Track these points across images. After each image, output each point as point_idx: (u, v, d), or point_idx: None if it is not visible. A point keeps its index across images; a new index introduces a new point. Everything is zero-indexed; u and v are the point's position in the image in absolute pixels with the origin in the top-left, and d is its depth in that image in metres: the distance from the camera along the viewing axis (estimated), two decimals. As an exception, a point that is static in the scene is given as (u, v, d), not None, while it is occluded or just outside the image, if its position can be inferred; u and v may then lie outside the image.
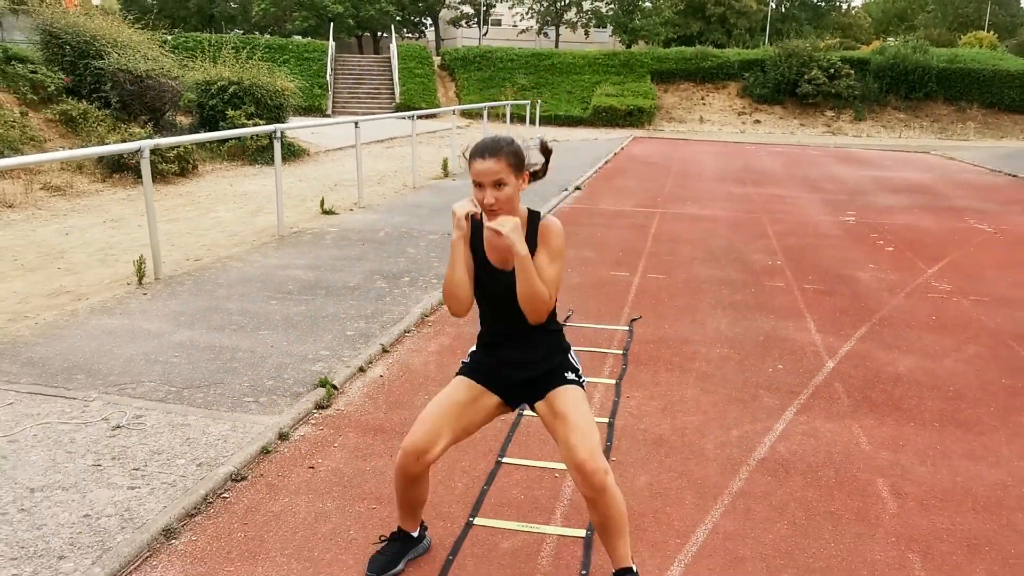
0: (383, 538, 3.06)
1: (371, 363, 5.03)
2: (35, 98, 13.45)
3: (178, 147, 11.91)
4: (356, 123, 10.39)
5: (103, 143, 11.90)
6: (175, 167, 12.01)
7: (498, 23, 61.71)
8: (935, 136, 30.45)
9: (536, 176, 2.71)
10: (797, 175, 16.72)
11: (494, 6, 56.79)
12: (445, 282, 2.72)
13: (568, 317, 6.12)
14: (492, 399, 2.84)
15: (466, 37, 57.02)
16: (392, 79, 31.37)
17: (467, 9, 55.56)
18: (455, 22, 55.66)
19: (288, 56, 28.66)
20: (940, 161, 21.32)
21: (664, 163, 18.44)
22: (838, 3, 64.85)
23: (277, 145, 8.39)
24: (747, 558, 3.11)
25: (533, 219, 2.71)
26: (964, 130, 30.69)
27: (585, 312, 6.29)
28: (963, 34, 51.97)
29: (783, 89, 32.47)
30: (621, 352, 5.40)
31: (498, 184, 2.55)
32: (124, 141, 11.51)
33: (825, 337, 5.84)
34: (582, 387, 2.83)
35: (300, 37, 41.66)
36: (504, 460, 3.82)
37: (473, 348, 2.93)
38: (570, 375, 2.81)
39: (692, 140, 27.08)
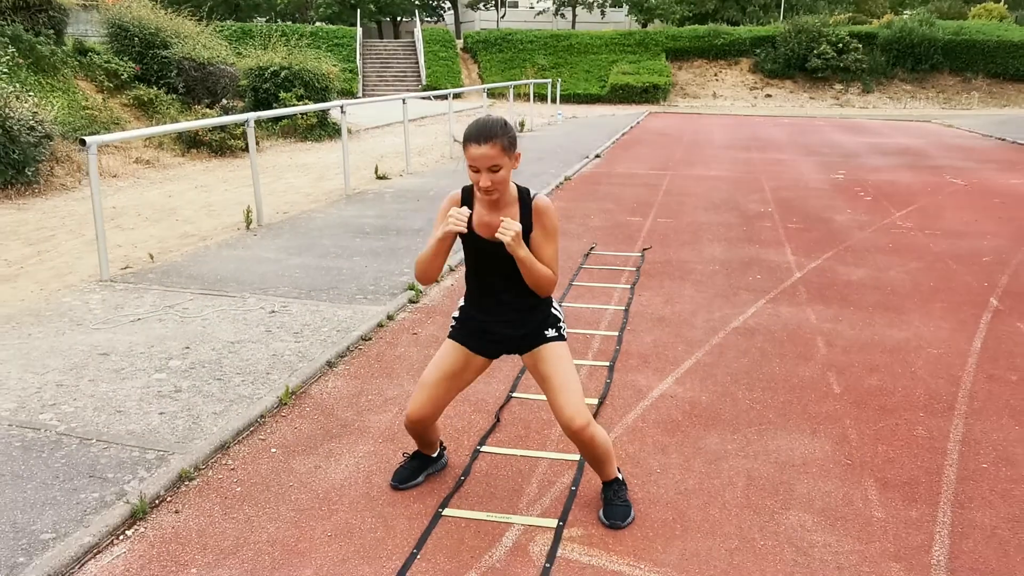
0: (406, 455, 3.49)
1: (443, 277, 6.58)
2: (110, 85, 15.08)
3: (243, 124, 13.48)
4: (404, 100, 11.94)
5: (176, 122, 13.55)
6: (241, 143, 13.60)
7: (515, 5, 62.84)
8: (940, 106, 31.54)
9: None
10: (799, 142, 18.09)
11: (511, -12, 58.00)
12: (418, 261, 2.91)
13: (593, 248, 7.63)
14: (479, 360, 3.09)
15: (484, 20, 58.23)
16: (417, 62, 32.84)
17: (484, -9, 56.80)
18: (473, 5, 56.90)
19: (320, 42, 30.14)
20: (937, 128, 22.56)
21: (676, 135, 19.84)
22: (854, -23, 65.22)
23: (344, 119, 9.95)
24: (718, 374, 4.64)
25: (524, 197, 2.89)
26: (969, 100, 31.76)
27: (606, 244, 7.80)
28: (976, 5, 52.37)
29: (793, 64, 33.64)
30: (635, 268, 6.93)
31: (493, 168, 2.71)
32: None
33: (798, 258, 7.34)
34: (563, 339, 3.05)
35: (323, 23, 43.17)
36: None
37: (462, 303, 3.16)
38: (551, 332, 3.02)
39: (705, 114, 28.38)
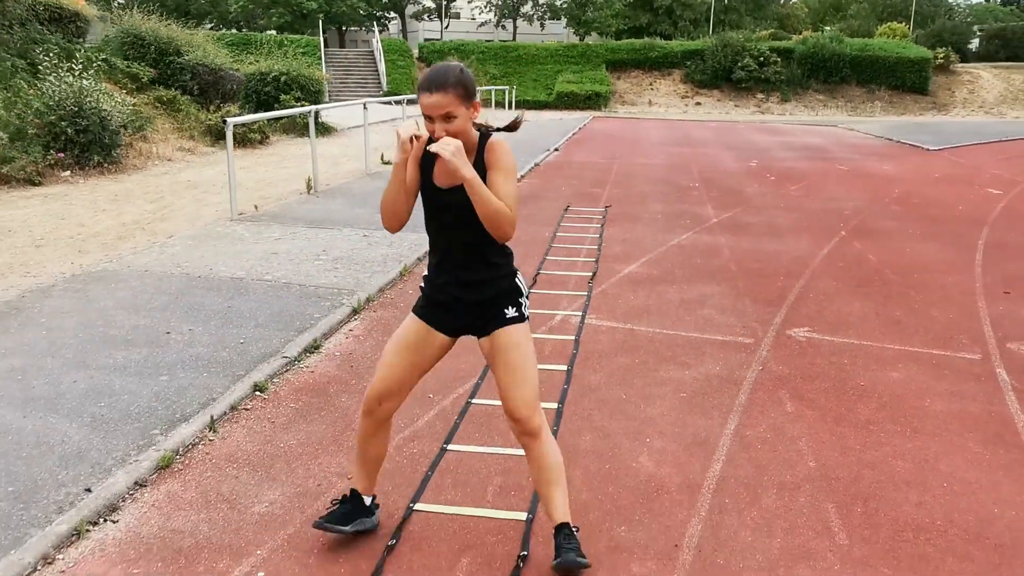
0: (335, 501, 3.14)
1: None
2: (132, 87, 17.35)
3: (259, 121, 15.96)
4: (404, 100, 14.60)
5: (199, 121, 15.98)
6: (258, 136, 16.07)
7: (457, 16, 65.74)
8: (848, 114, 35.46)
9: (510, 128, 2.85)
10: (722, 140, 21.31)
11: (454, 0, 60.83)
12: (383, 199, 2.80)
13: (569, 206, 10.44)
14: (440, 338, 2.94)
15: (428, 30, 60.96)
16: (377, 70, 35.41)
17: (428, 3, 59.53)
18: (417, 16, 59.57)
19: (286, 51, 32.44)
20: (840, 131, 26.14)
21: (619, 135, 22.89)
22: (777, -6, 69.91)
23: (365, 114, 12.58)
24: (663, 263, 7.48)
25: (483, 139, 2.71)
26: (872, 108, 35.80)
27: (578, 204, 10.63)
28: (887, 23, 57.08)
29: (720, 75, 37.27)
30: (602, 217, 9.77)
31: (447, 117, 2.55)
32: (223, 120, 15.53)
33: (715, 211, 10.28)
34: (525, 320, 2.88)
35: (273, 32, 45.31)
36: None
37: (426, 272, 3.01)
38: (512, 311, 2.84)
39: (642, 119, 31.61)
